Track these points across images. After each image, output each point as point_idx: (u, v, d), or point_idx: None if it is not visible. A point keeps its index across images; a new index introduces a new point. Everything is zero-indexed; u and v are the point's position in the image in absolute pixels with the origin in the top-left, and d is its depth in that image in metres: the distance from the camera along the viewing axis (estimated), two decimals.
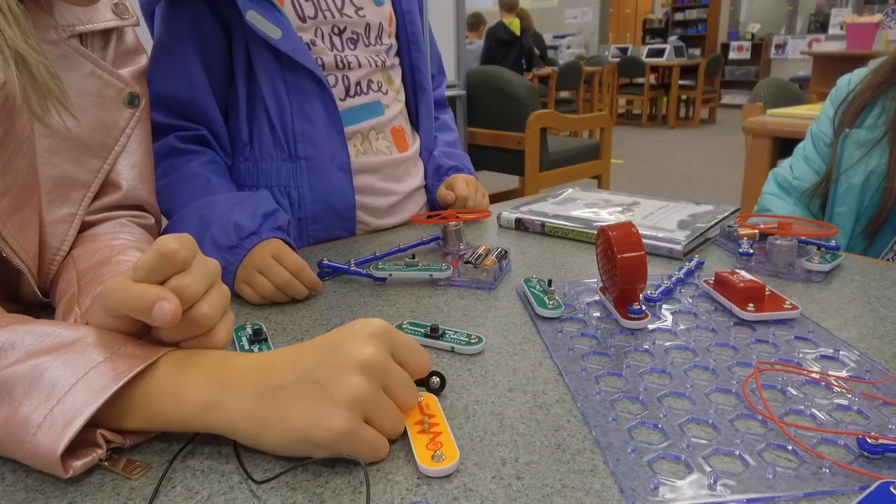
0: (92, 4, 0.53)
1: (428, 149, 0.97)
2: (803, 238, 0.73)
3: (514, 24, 5.39)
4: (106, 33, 0.62)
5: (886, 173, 0.88)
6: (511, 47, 5.39)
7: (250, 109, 0.82)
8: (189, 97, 0.78)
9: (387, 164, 0.88)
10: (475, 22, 5.97)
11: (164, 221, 0.75)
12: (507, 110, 2.89)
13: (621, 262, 0.54)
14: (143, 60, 0.66)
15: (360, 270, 0.68)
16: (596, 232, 0.67)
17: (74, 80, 0.56)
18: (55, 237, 0.57)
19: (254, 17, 0.75)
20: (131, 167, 0.65)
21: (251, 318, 0.61)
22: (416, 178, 0.94)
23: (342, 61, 0.84)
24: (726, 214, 0.84)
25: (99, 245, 0.59)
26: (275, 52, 0.77)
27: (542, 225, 0.85)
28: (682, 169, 5.19)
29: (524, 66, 5.53)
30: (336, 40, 0.84)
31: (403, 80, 0.94)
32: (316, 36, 0.82)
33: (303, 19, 0.81)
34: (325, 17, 0.82)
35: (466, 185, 0.91)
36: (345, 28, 0.84)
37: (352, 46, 0.85)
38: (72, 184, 0.57)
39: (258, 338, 0.53)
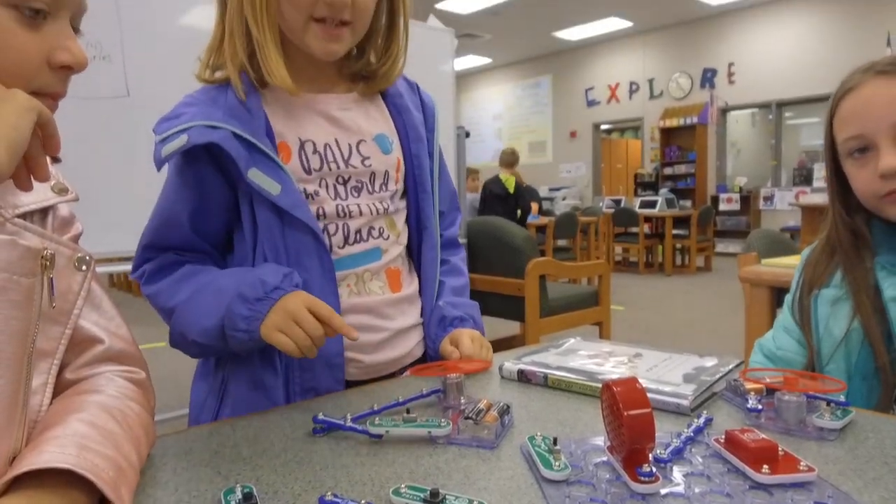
0: (31, 189, 0.56)
1: (429, 291, 0.96)
2: (811, 394, 0.71)
3: (510, 182, 5.71)
4: (45, 209, 0.65)
5: (865, 332, 0.88)
6: (504, 202, 5.68)
7: (254, 255, 0.84)
8: (180, 241, 0.86)
9: (379, 303, 0.89)
10: (471, 175, 6.30)
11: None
12: (506, 258, 2.97)
13: (628, 419, 0.52)
14: (78, 227, 0.70)
15: (356, 427, 0.66)
16: (600, 386, 0.66)
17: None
18: (31, 410, 0.56)
19: (255, 175, 0.79)
20: (106, 320, 0.66)
21: (242, 478, 0.58)
22: (411, 316, 0.94)
23: (343, 210, 0.86)
24: (731, 367, 0.83)
25: (73, 394, 0.59)
26: (274, 205, 0.81)
27: (545, 377, 0.83)
28: (682, 316, 5.21)
29: (518, 221, 5.75)
30: (340, 189, 0.87)
31: (408, 220, 0.96)
32: (320, 186, 0.86)
33: (308, 171, 0.85)
34: (330, 169, 0.86)
35: (471, 341, 0.90)
36: (349, 177, 0.88)
37: (355, 194, 0.88)
38: (38, 355, 0.56)
39: (248, 502, 0.50)
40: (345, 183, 0.88)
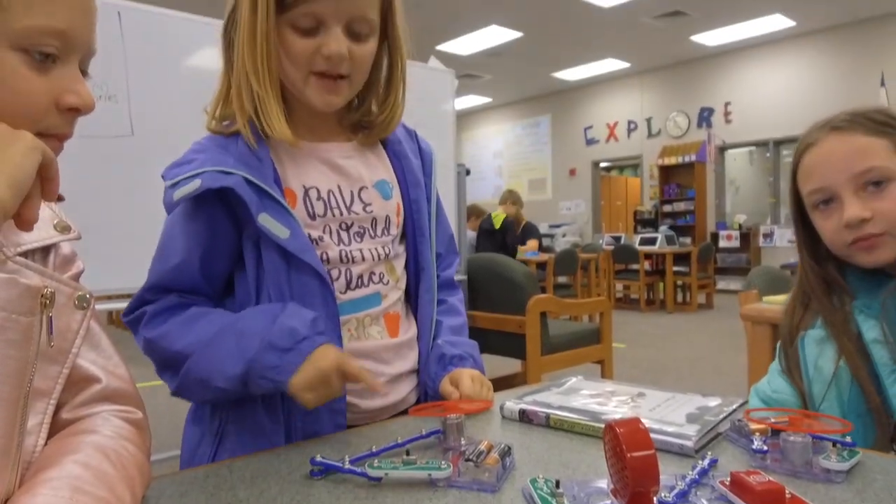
0: (31, 229, 0.56)
1: (426, 332, 0.96)
2: (817, 434, 0.70)
3: (498, 218, 5.83)
4: (47, 247, 0.65)
5: (853, 375, 0.88)
6: (493, 238, 5.81)
7: (258, 298, 0.84)
8: (188, 283, 0.84)
9: (377, 348, 0.89)
10: (471, 213, 6.35)
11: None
12: (506, 295, 2.96)
13: (631, 461, 0.51)
14: (79, 265, 0.69)
15: (355, 469, 0.65)
16: (603, 426, 0.65)
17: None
18: (25, 451, 0.55)
19: (265, 220, 0.80)
20: (104, 359, 0.65)
21: None
22: (408, 361, 0.94)
23: (346, 255, 0.87)
24: (734, 408, 0.82)
25: (68, 434, 0.58)
26: (282, 249, 0.81)
27: (547, 417, 0.82)
28: (684, 354, 5.17)
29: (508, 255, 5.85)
30: (343, 235, 0.88)
31: (406, 264, 0.97)
32: (324, 232, 0.87)
33: (312, 217, 0.86)
34: (333, 215, 0.88)
35: (472, 381, 0.89)
36: (352, 223, 0.89)
37: (358, 240, 0.89)
38: (35, 395, 0.56)
39: None
40: (348, 229, 0.89)
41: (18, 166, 0.49)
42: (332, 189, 0.89)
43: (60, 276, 0.61)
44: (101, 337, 0.67)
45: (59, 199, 0.59)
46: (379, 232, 0.92)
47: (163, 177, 0.83)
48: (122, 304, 2.40)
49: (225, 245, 0.84)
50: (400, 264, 0.95)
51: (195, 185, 0.78)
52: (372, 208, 0.91)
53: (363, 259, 0.89)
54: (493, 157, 12.96)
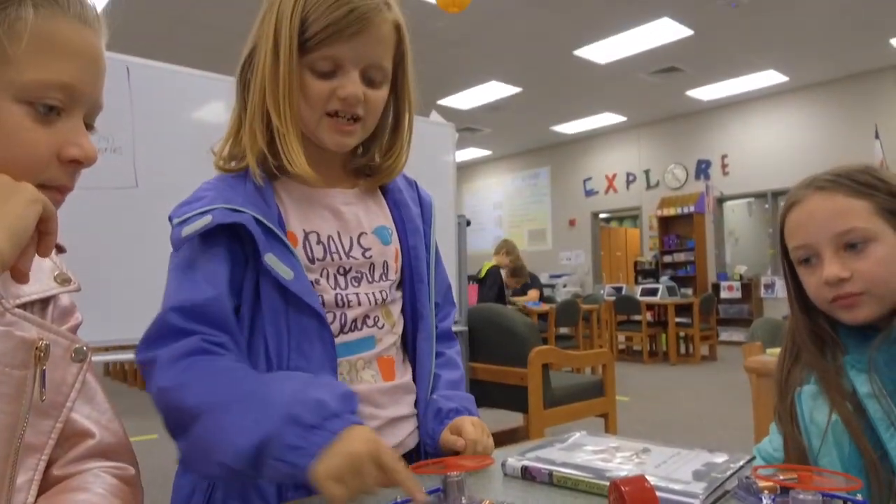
0: (26, 281, 0.55)
1: (424, 382, 0.95)
2: (828, 492, 0.68)
3: (484, 267, 5.88)
4: (46, 298, 0.65)
5: (848, 431, 0.87)
6: (481, 287, 5.80)
7: (250, 342, 0.83)
8: (216, 306, 0.78)
9: (371, 391, 0.88)
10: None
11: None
12: (508, 346, 2.93)
13: None
14: (78, 317, 0.69)
15: None
16: (608, 484, 0.63)
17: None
18: None
19: (270, 259, 0.80)
20: (99, 413, 0.64)
21: None
22: (404, 406, 0.92)
23: (342, 300, 0.87)
24: (742, 464, 0.80)
25: (59, 492, 0.56)
26: (282, 290, 0.81)
27: (550, 474, 0.80)
28: (689, 408, 5.09)
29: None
30: (340, 279, 0.89)
31: (403, 310, 0.96)
32: (322, 276, 0.87)
33: (311, 261, 0.87)
34: (332, 259, 0.88)
35: (473, 427, 0.88)
36: (350, 268, 0.89)
37: (355, 284, 0.89)
38: (26, 450, 0.55)
39: None
40: (345, 273, 0.89)
41: (20, 218, 0.49)
42: (332, 234, 0.90)
43: (58, 328, 0.61)
44: (97, 390, 0.66)
45: (61, 250, 0.60)
46: (377, 277, 0.92)
47: (170, 217, 0.83)
48: (120, 356, 2.38)
49: (235, 281, 0.84)
50: (396, 309, 0.95)
51: (206, 220, 0.78)
52: (371, 254, 0.91)
53: (359, 304, 0.88)
54: (493, 207, 13.08)
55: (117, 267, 2.13)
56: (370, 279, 0.91)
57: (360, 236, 0.92)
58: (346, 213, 0.92)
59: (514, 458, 0.85)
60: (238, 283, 0.84)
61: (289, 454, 0.64)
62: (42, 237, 0.53)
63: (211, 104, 2.40)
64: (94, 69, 0.60)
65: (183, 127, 2.34)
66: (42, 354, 0.53)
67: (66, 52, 0.57)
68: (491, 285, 5.75)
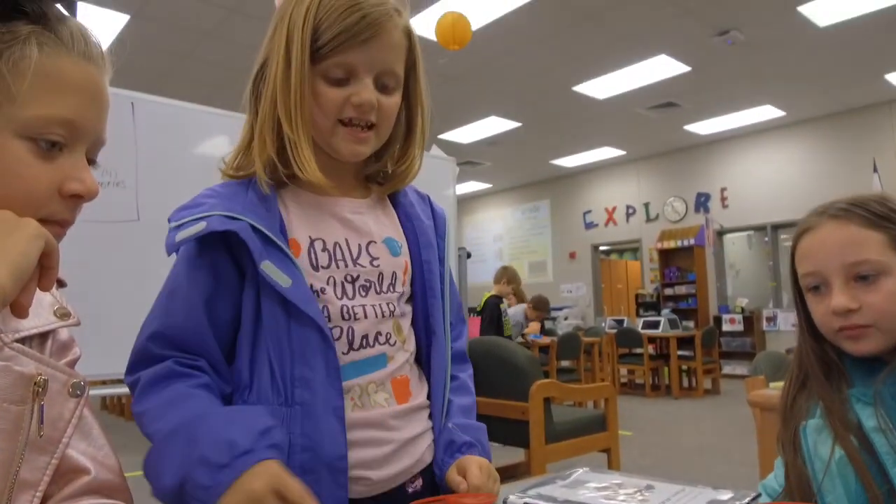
0: (26, 316, 0.55)
1: (438, 400, 0.93)
2: None
3: (483, 299, 5.76)
4: (45, 333, 0.64)
5: (853, 465, 0.85)
6: (482, 320, 5.70)
7: (253, 352, 0.82)
8: (192, 334, 0.80)
9: (384, 416, 0.86)
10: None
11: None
12: (508, 379, 2.90)
13: None
14: (76, 352, 0.69)
15: None
16: None
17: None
18: None
19: (267, 267, 0.79)
20: (95, 449, 0.63)
21: None
22: (419, 424, 0.90)
23: (348, 312, 0.85)
24: (747, 501, 0.79)
25: None
26: (283, 299, 0.80)
27: None
28: (692, 442, 5.02)
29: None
30: (348, 287, 0.87)
31: (415, 325, 0.94)
32: (328, 284, 0.85)
33: (315, 267, 0.85)
34: (338, 266, 0.86)
35: (479, 470, 0.86)
36: (358, 276, 0.88)
37: (363, 293, 0.88)
38: (21, 487, 0.54)
39: None
40: (353, 281, 0.87)
41: (22, 253, 0.49)
42: (339, 241, 0.88)
43: (56, 363, 0.60)
44: (93, 425, 0.65)
45: (61, 284, 0.59)
46: (385, 288, 0.90)
47: (169, 219, 0.82)
48: (118, 390, 2.36)
49: (229, 289, 0.83)
50: (406, 323, 0.93)
51: (199, 227, 0.78)
52: (379, 262, 0.90)
53: (366, 316, 0.86)
54: (493, 240, 13.10)
55: (117, 299, 2.13)
56: (378, 289, 0.89)
57: (368, 244, 0.90)
58: (356, 222, 0.90)
59: (516, 495, 0.84)
60: (236, 294, 0.83)
61: (200, 493, 0.66)
62: (44, 272, 0.53)
63: (214, 139, 2.42)
64: (97, 105, 0.61)
65: (186, 161, 2.36)
66: (40, 389, 0.53)
67: (68, 89, 0.58)
68: (489, 317, 5.59)
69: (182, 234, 0.79)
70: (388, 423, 0.86)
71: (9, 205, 0.54)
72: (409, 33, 0.88)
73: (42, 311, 0.64)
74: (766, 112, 8.39)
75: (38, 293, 0.61)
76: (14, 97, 0.54)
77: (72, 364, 0.67)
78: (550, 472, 0.97)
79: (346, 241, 0.89)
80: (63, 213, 0.59)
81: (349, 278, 0.87)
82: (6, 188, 0.55)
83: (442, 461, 0.90)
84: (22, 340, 0.60)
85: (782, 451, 0.96)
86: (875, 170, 7.36)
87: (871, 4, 5.36)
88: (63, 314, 0.66)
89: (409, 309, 0.94)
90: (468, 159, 10.18)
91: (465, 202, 13.19)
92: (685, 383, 7.89)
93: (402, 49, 0.87)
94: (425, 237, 0.96)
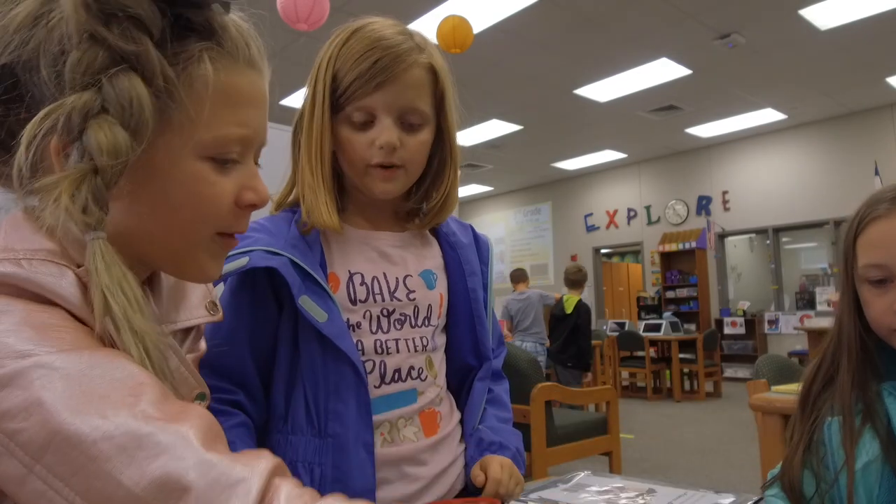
0: (210, 280, 0.57)
1: (472, 419, 0.95)
2: None
3: (570, 302, 5.16)
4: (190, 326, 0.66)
5: (886, 460, 0.83)
6: (564, 324, 5.12)
7: (289, 383, 0.84)
8: (234, 363, 0.82)
9: (414, 451, 0.86)
10: (520, 276, 6.15)
11: None
12: (510, 382, 2.90)
13: None
14: (203, 346, 0.70)
15: None
16: None
17: None
18: None
19: (305, 302, 0.81)
20: None
21: None
22: (449, 454, 0.91)
23: (382, 346, 0.87)
24: None
25: None
26: (318, 333, 0.81)
27: None
28: (694, 445, 5.01)
29: (580, 353, 5.03)
30: (384, 321, 0.88)
31: (461, 355, 0.95)
32: (363, 318, 0.87)
33: (353, 302, 0.86)
34: (375, 301, 0.88)
35: (500, 468, 0.87)
36: (394, 310, 0.89)
37: (398, 327, 0.89)
38: None
39: None
40: (389, 315, 0.89)
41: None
42: (377, 276, 0.89)
43: (193, 368, 0.62)
44: None
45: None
46: (420, 321, 0.91)
47: None
48: None
49: (268, 323, 0.85)
50: (438, 358, 0.94)
51: (242, 262, 0.80)
52: (415, 296, 0.91)
53: (398, 351, 0.88)
54: (495, 242, 12.88)
55: None
56: (413, 322, 0.90)
57: (405, 278, 0.91)
58: (394, 256, 0.92)
59: (518, 500, 0.84)
60: (275, 326, 0.85)
61: None
62: None
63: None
64: (265, 113, 0.61)
65: None
66: None
67: (241, 102, 0.57)
68: (586, 322, 5.02)
69: (227, 268, 0.80)
70: (418, 457, 0.87)
71: (192, 223, 0.55)
72: (433, 69, 0.88)
73: (197, 302, 0.66)
74: (768, 115, 8.38)
75: (193, 284, 0.64)
76: (192, 119, 0.53)
77: (196, 361, 0.68)
78: (552, 476, 0.97)
79: (385, 274, 0.90)
80: (237, 225, 0.60)
81: (385, 312, 0.89)
82: (192, 210, 0.55)
83: (470, 458, 0.92)
84: (174, 333, 0.62)
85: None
86: (877, 172, 7.36)
87: (873, 7, 5.35)
88: (212, 307, 0.67)
89: (442, 341, 0.96)
90: (470, 162, 10.19)
91: (466, 205, 13.19)
92: (686, 386, 7.87)
93: (424, 85, 0.87)
94: (470, 266, 0.97)
